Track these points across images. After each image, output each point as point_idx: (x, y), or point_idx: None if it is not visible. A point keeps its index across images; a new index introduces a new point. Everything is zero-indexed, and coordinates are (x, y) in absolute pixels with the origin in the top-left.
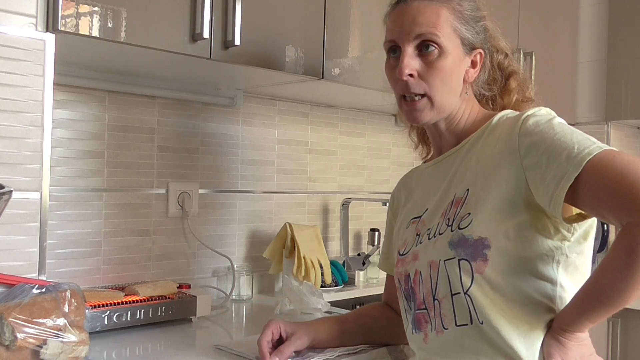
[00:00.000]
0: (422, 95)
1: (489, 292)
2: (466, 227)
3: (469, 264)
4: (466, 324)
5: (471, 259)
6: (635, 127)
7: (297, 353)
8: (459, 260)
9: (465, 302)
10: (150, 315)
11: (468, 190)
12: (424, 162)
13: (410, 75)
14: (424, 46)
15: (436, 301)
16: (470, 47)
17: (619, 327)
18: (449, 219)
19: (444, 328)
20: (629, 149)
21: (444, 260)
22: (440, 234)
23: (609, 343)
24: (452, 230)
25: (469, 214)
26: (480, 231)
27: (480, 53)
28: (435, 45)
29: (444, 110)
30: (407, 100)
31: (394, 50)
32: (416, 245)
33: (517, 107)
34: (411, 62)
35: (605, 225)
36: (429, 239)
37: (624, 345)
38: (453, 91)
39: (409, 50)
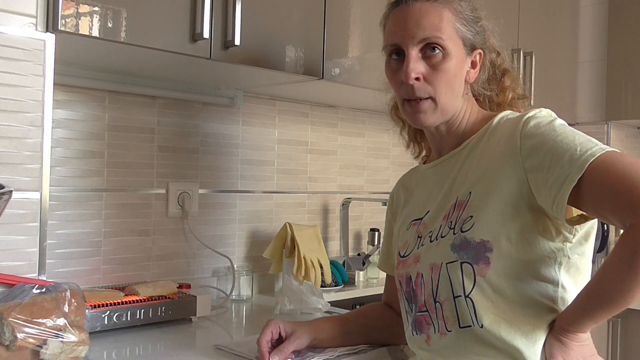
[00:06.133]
0: (427, 98)
1: (491, 295)
2: (468, 230)
3: (471, 267)
4: (470, 326)
5: (473, 262)
6: (635, 127)
7: (297, 353)
8: (462, 263)
9: (466, 305)
10: (150, 315)
11: (470, 193)
12: (424, 163)
13: (417, 79)
14: (428, 48)
15: (437, 304)
16: (470, 48)
17: (619, 327)
18: (451, 222)
19: (447, 330)
20: (629, 149)
21: (446, 263)
22: (442, 237)
23: (609, 343)
24: (454, 233)
25: (471, 216)
26: (482, 234)
27: (480, 53)
28: (440, 48)
29: (448, 112)
30: (411, 103)
31: (396, 53)
32: (417, 248)
33: (513, 104)
34: (417, 66)
35: (605, 226)
36: (431, 241)
37: (624, 345)
38: (456, 93)
39: (414, 53)
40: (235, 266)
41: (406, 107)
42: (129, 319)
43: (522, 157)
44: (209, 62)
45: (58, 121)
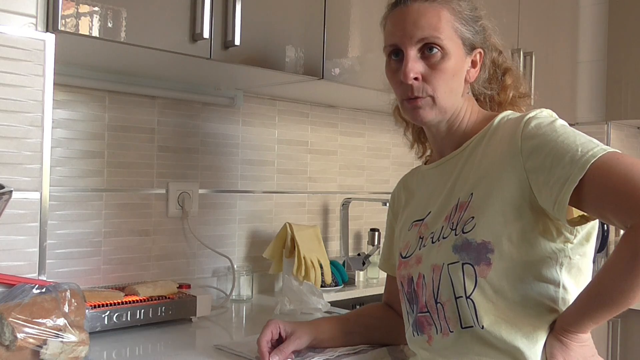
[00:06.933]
0: (425, 97)
1: (492, 296)
2: (469, 231)
3: (473, 268)
4: (471, 326)
5: (475, 263)
6: (635, 127)
7: (297, 353)
8: (463, 264)
9: (467, 306)
10: (150, 315)
11: (472, 194)
12: (425, 163)
13: (415, 78)
14: (427, 48)
15: (439, 304)
16: (470, 47)
17: (619, 327)
18: (452, 222)
19: (450, 331)
20: (629, 149)
21: (448, 264)
22: (444, 238)
23: (609, 343)
24: (456, 234)
25: (473, 217)
26: (483, 235)
27: (480, 52)
28: (438, 48)
29: (447, 111)
30: (410, 100)
31: (395, 53)
32: (419, 249)
33: (514, 103)
34: (415, 66)
35: (605, 226)
36: (433, 242)
37: (624, 345)
38: (455, 92)
39: (412, 53)
40: (235, 266)
41: (405, 105)
42: (129, 319)
43: (523, 157)
44: (209, 62)
45: (58, 121)
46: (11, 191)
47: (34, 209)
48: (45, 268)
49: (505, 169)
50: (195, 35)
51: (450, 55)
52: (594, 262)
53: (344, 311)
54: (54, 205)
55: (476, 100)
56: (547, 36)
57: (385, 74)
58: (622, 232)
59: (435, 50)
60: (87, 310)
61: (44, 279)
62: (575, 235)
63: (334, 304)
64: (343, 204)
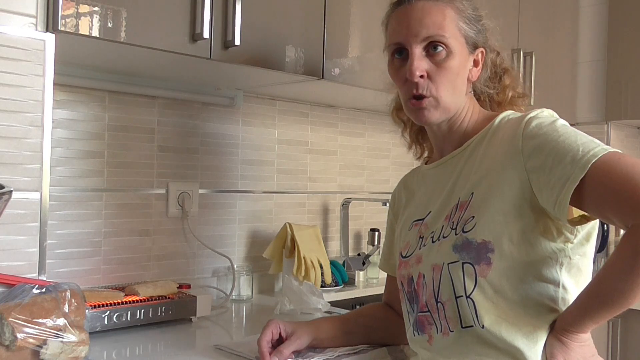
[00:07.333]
0: (429, 96)
1: (492, 296)
2: (470, 230)
3: (473, 268)
4: (471, 326)
5: (475, 263)
6: (635, 127)
7: (297, 353)
8: (463, 263)
9: (468, 305)
10: (150, 315)
11: (472, 193)
12: (425, 163)
13: (421, 76)
14: (431, 47)
15: (439, 304)
16: (473, 46)
17: (619, 327)
18: (453, 222)
19: (450, 330)
20: (629, 149)
21: (448, 264)
22: (444, 237)
23: (609, 343)
24: (456, 234)
25: (473, 217)
26: (483, 234)
27: (482, 51)
28: (443, 46)
29: (450, 110)
30: (415, 100)
31: (399, 52)
32: (419, 248)
33: (513, 102)
34: (421, 64)
35: (605, 226)
36: (433, 242)
37: (624, 345)
38: (459, 90)
39: (417, 51)
40: (235, 266)
41: (409, 105)
42: (129, 319)
43: (524, 157)
44: (209, 62)
45: (58, 121)
46: (11, 191)
47: (34, 209)
48: (45, 268)
49: (506, 168)
50: (195, 35)
51: (455, 53)
52: (594, 262)
53: (344, 311)
54: (54, 205)
55: (477, 99)
56: (547, 36)
57: (389, 73)
58: (622, 232)
59: (440, 48)
60: (87, 310)
61: (44, 279)
62: (576, 235)
63: (334, 304)
64: (343, 204)
